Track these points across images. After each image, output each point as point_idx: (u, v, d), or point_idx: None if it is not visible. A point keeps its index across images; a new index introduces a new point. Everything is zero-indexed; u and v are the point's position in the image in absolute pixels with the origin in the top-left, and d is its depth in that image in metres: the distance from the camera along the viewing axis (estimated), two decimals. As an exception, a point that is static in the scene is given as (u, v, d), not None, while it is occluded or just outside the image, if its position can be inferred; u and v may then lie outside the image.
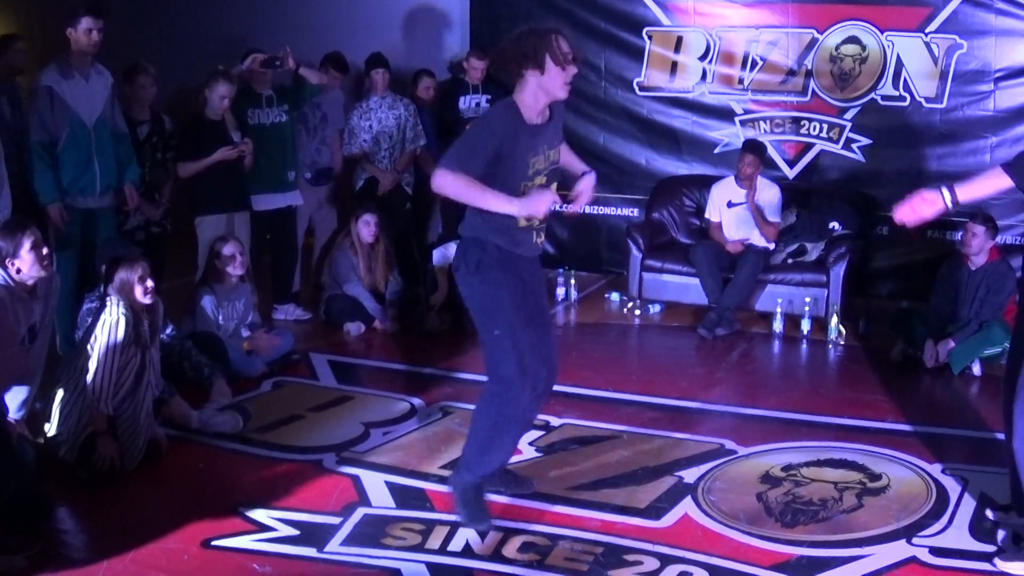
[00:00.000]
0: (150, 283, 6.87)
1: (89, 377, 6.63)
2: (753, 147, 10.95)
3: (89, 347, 6.69)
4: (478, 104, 11.89)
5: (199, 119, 9.89)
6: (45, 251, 6.55)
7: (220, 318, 8.94)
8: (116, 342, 6.64)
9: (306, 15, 13.05)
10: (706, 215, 11.29)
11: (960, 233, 9.85)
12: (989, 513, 6.24)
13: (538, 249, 6.07)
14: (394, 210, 11.11)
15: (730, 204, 10.90)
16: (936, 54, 11.25)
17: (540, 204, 5.58)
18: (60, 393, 6.82)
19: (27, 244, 6.41)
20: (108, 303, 6.76)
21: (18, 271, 6.43)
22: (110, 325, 6.64)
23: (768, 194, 10.87)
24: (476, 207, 5.71)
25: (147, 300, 6.89)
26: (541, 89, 5.70)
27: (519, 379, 5.81)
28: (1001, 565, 5.59)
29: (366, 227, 10.25)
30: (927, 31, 11.24)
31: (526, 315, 5.89)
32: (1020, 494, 5.73)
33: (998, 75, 11.04)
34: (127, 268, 6.83)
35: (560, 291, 11.66)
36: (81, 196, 8.69)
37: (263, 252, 10.73)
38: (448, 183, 5.56)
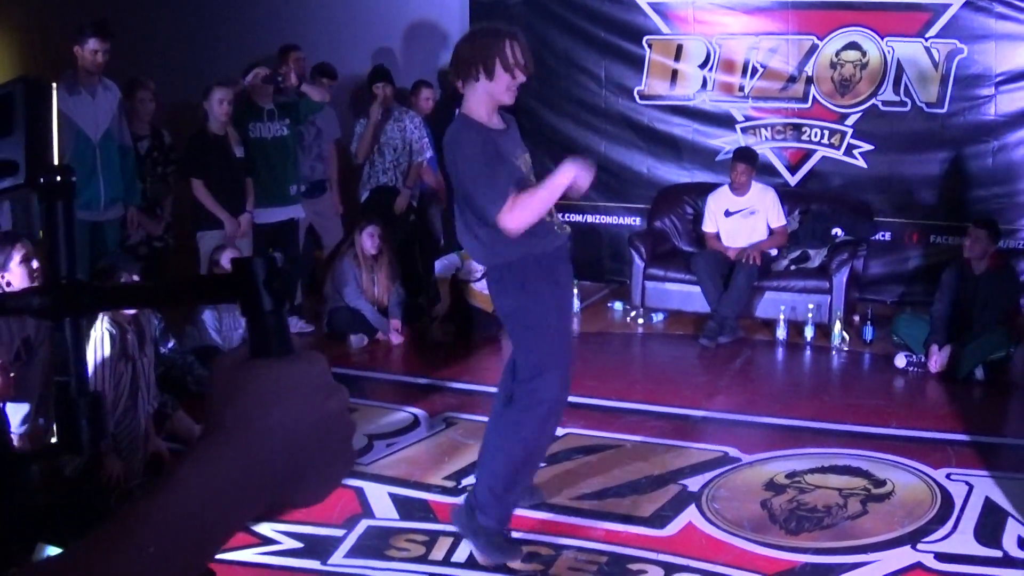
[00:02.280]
0: None
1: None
2: (744, 155, 10.91)
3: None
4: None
5: (202, 134, 9.88)
6: (36, 264, 6.53)
7: (222, 328, 8.92)
8: (104, 359, 6.62)
9: (305, 30, 13.03)
10: (702, 227, 11.23)
11: (963, 238, 9.84)
12: None
13: (565, 236, 5.84)
14: (397, 221, 11.10)
15: (728, 213, 10.85)
16: (937, 59, 11.26)
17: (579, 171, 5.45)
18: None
19: (16, 257, 6.39)
20: (97, 319, 6.75)
21: (8, 284, 6.42)
22: (95, 342, 6.63)
23: (766, 198, 10.87)
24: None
25: (130, 310, 6.86)
26: (487, 94, 5.58)
27: (559, 398, 5.79)
28: None
29: (369, 238, 10.23)
30: (927, 36, 11.25)
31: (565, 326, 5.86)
32: None
33: (999, 79, 11.05)
34: (107, 279, 6.81)
35: (563, 300, 11.61)
36: (86, 210, 8.71)
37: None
38: (517, 219, 5.40)
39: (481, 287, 10.74)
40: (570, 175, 5.46)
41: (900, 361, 9.48)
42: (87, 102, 8.69)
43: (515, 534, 6.04)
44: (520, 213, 5.40)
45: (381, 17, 13.46)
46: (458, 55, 5.67)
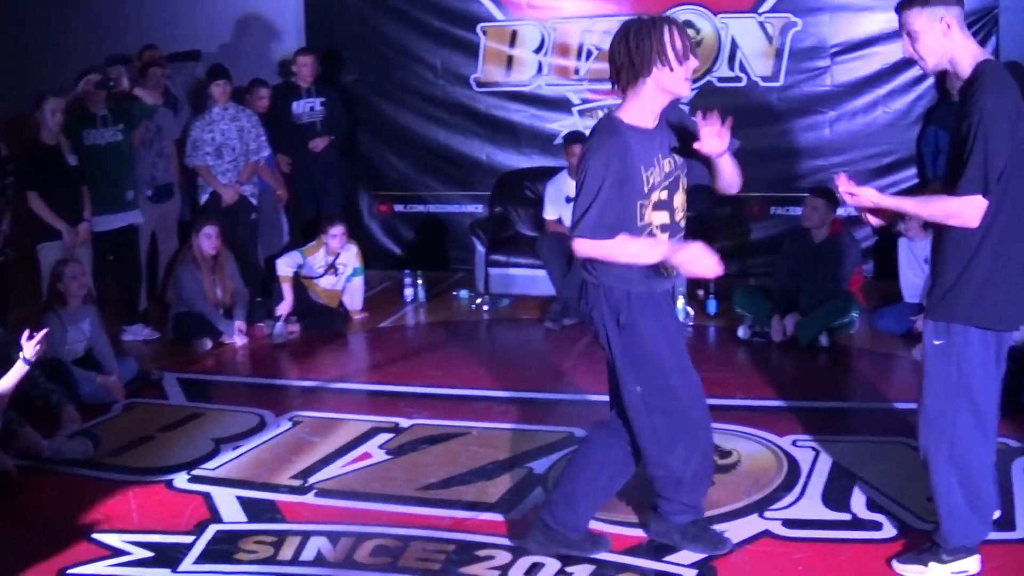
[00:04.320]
0: None
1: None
2: (576, 138, 10.91)
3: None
4: (312, 108, 11.81)
5: (34, 145, 9.73)
6: None
7: (67, 341, 8.76)
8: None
9: (138, 32, 12.84)
10: (543, 215, 11.23)
11: (801, 208, 9.95)
12: None
13: (673, 280, 5.50)
14: (238, 221, 10.98)
15: (568, 199, 10.81)
16: (771, 33, 11.43)
17: (699, 261, 5.10)
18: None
19: None
20: None
21: None
22: None
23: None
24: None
25: None
26: (660, 92, 5.11)
27: (685, 432, 5.41)
28: (898, 567, 5.46)
29: (207, 240, 10.11)
30: (760, 11, 11.44)
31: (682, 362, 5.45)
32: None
33: (834, 50, 11.29)
34: None
35: (408, 292, 11.62)
36: None
37: (106, 274, 10.58)
38: (589, 251, 5.11)
39: (324, 284, 10.69)
40: (692, 262, 5.12)
41: (742, 332, 9.57)
42: None
43: (362, 529, 6.04)
44: (594, 252, 5.14)
45: (215, 14, 13.34)
46: (615, 61, 5.15)
